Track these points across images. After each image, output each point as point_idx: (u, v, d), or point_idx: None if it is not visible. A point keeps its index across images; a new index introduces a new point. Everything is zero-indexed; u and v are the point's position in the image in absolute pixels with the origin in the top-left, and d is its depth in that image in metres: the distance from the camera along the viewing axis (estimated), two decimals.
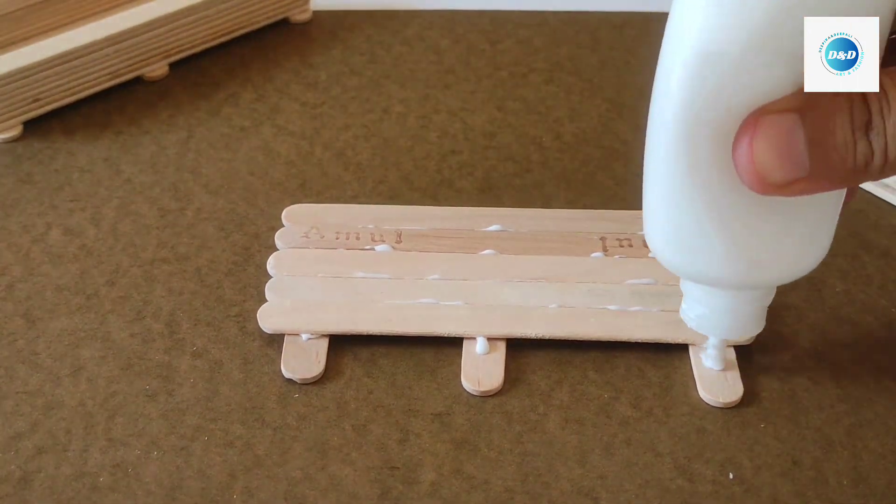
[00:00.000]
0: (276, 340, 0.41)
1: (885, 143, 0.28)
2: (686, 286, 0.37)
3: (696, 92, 0.30)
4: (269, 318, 0.41)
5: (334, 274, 0.42)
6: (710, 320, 0.36)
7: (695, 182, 0.31)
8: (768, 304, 0.36)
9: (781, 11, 0.28)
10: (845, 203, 0.34)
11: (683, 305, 0.37)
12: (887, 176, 0.30)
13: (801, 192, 0.30)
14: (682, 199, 0.32)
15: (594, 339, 0.40)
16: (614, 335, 0.40)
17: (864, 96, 0.28)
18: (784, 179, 0.29)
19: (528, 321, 0.41)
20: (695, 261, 0.33)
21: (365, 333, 0.40)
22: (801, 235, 0.33)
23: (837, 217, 0.34)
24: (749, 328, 0.37)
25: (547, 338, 0.40)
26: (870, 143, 0.28)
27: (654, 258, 0.43)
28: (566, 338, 0.40)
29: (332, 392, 0.39)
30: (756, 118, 0.29)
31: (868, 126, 0.28)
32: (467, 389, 0.39)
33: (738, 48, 0.29)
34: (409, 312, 0.41)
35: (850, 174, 0.29)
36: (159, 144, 0.51)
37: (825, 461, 0.37)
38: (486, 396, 0.39)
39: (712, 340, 0.38)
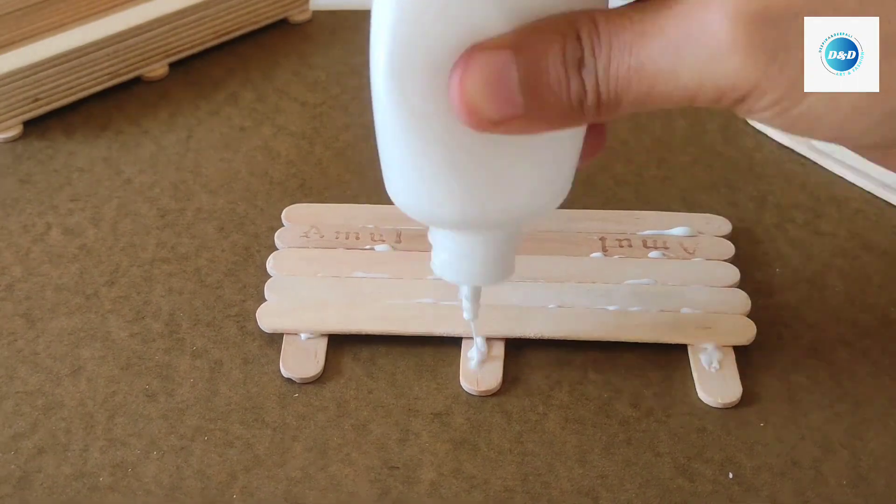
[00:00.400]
0: (275, 340, 0.41)
1: (597, 82, 0.28)
2: (431, 234, 0.36)
3: (406, 33, 0.29)
4: (268, 318, 0.41)
5: (334, 274, 0.42)
6: (453, 266, 0.36)
7: (418, 124, 0.31)
8: (514, 249, 0.36)
9: None
10: (593, 153, 0.34)
11: (432, 255, 0.36)
12: (607, 118, 0.29)
13: (519, 131, 0.29)
14: (408, 143, 0.31)
15: (594, 340, 0.40)
16: (614, 335, 0.40)
17: (577, 34, 0.28)
18: (498, 116, 0.29)
19: (527, 321, 0.41)
20: (430, 204, 0.33)
21: (364, 333, 0.40)
22: (534, 174, 0.32)
23: (576, 157, 0.33)
24: (494, 274, 0.36)
25: (546, 338, 0.40)
26: (582, 81, 0.28)
27: (654, 258, 0.43)
28: (565, 338, 0.40)
29: (331, 392, 0.39)
30: (469, 55, 0.28)
31: (580, 63, 0.28)
32: (466, 390, 0.39)
33: None
34: (408, 312, 0.41)
35: (565, 113, 0.29)
36: (159, 144, 0.51)
37: (825, 461, 0.37)
38: (486, 396, 0.39)
39: (463, 290, 0.38)
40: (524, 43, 0.28)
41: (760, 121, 0.28)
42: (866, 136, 0.29)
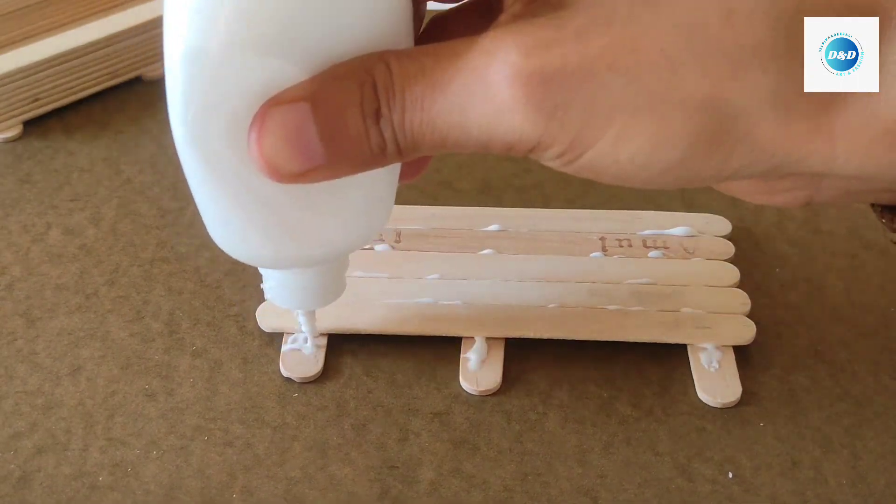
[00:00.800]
0: (275, 340, 0.41)
1: (394, 133, 0.28)
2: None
3: (193, 88, 0.28)
4: (267, 317, 0.41)
5: None
6: (280, 293, 0.36)
7: (221, 177, 0.30)
8: (342, 272, 0.36)
9: (252, 9, 0.27)
10: (416, 173, 0.34)
11: (264, 282, 0.37)
12: (409, 159, 0.29)
13: (323, 179, 0.29)
14: (213, 195, 0.31)
15: (594, 340, 0.40)
16: (614, 335, 0.40)
17: (374, 83, 0.28)
18: (299, 169, 0.28)
19: (527, 321, 0.41)
20: (247, 249, 0.33)
21: (363, 333, 0.40)
22: (343, 213, 0.32)
23: (392, 189, 0.33)
24: (323, 299, 0.36)
25: (547, 338, 0.40)
26: (381, 132, 0.28)
27: (653, 258, 0.43)
28: (566, 338, 0.40)
29: (331, 391, 0.39)
30: (265, 110, 0.28)
31: (377, 115, 0.28)
32: (466, 389, 0.39)
33: (218, 47, 0.27)
34: (408, 312, 0.41)
35: (367, 160, 0.29)
36: (159, 144, 0.51)
37: (824, 461, 0.37)
38: (486, 396, 0.39)
39: (300, 316, 0.38)
40: (321, 94, 0.28)
41: (551, 166, 0.29)
42: (651, 184, 0.29)
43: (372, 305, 0.41)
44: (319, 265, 0.35)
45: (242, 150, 0.29)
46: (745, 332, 0.40)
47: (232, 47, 0.27)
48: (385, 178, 0.32)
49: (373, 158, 0.29)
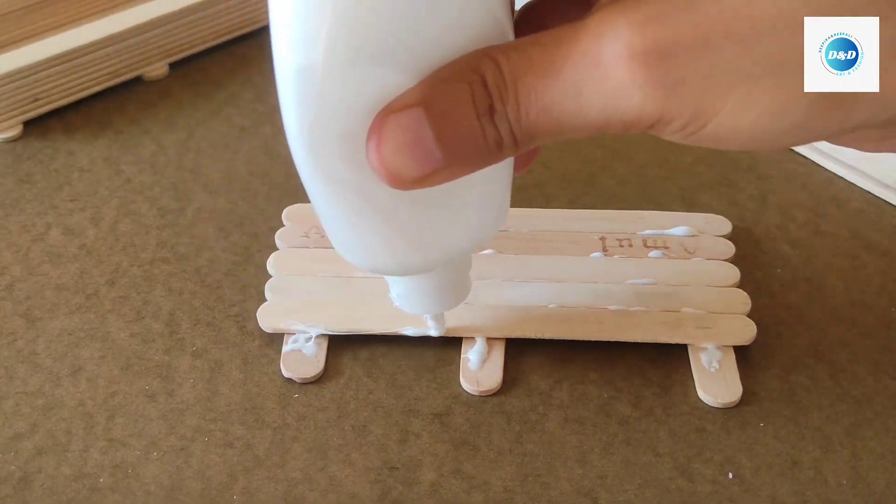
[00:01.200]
0: (275, 340, 0.41)
1: (510, 126, 0.28)
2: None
3: (307, 106, 0.29)
4: (268, 318, 0.41)
5: (334, 274, 0.42)
6: (409, 300, 0.37)
7: (341, 190, 0.31)
8: (467, 272, 0.37)
9: (363, 23, 0.27)
10: (526, 164, 0.34)
11: (390, 289, 0.37)
12: (525, 150, 0.29)
13: (443, 181, 0.29)
14: (336, 208, 0.31)
15: (594, 340, 0.40)
16: (615, 335, 0.40)
17: (483, 81, 0.28)
18: (420, 174, 0.29)
19: (528, 321, 0.41)
20: (373, 259, 0.33)
21: (365, 333, 0.40)
22: (466, 213, 0.32)
23: (508, 185, 0.33)
24: (450, 301, 0.37)
25: (547, 338, 0.40)
26: (496, 127, 0.28)
27: (654, 258, 0.43)
28: (566, 338, 0.40)
29: (331, 392, 0.39)
30: (381, 120, 0.28)
31: (491, 111, 0.28)
32: (466, 390, 0.39)
33: (332, 63, 0.28)
34: (408, 313, 0.41)
35: (484, 156, 0.29)
36: (159, 144, 0.51)
37: (825, 461, 0.37)
38: (486, 396, 0.39)
39: (427, 318, 0.39)
40: (432, 97, 0.28)
41: (671, 140, 0.29)
42: (771, 146, 0.29)
43: (373, 305, 0.41)
44: (445, 267, 0.35)
45: (359, 161, 0.29)
46: (746, 332, 0.40)
47: (342, 60, 0.28)
48: (500, 173, 0.32)
49: (489, 154, 0.29)
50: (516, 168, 0.34)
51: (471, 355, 0.40)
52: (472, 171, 0.30)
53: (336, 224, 0.32)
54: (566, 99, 0.27)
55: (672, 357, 0.40)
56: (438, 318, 0.39)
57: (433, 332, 0.40)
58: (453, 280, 0.36)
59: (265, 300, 0.42)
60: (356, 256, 0.33)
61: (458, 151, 0.28)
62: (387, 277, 0.37)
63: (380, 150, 0.28)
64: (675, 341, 0.40)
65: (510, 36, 0.29)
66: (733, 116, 0.28)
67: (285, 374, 0.39)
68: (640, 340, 0.40)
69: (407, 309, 0.37)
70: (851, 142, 0.33)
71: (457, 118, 0.28)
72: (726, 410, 0.38)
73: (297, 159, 0.31)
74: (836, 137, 0.31)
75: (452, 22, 0.28)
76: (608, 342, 0.40)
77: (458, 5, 0.28)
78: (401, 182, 0.29)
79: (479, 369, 0.39)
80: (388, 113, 0.28)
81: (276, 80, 0.30)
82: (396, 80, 0.28)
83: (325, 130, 0.29)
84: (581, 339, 0.40)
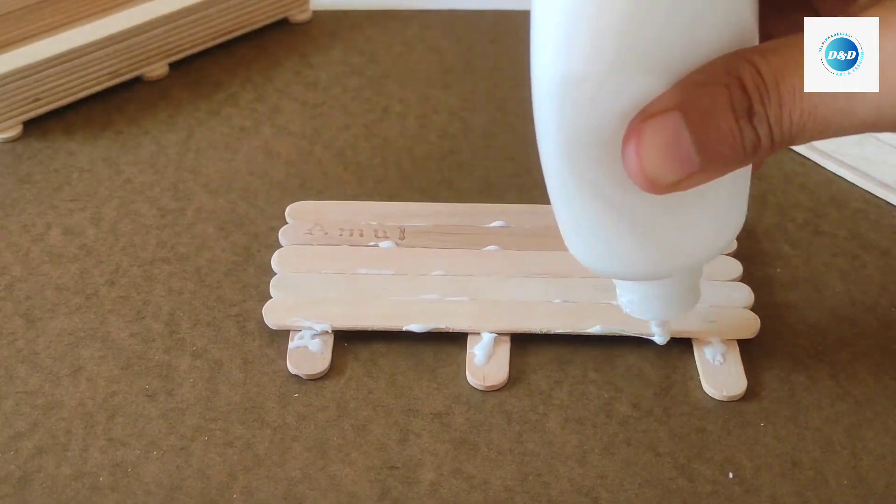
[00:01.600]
0: (275, 340, 0.41)
1: (770, 129, 0.28)
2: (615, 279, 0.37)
3: (567, 112, 0.30)
4: (274, 315, 0.41)
5: (338, 270, 0.43)
6: (642, 305, 0.37)
7: (591, 193, 0.31)
8: (698, 280, 0.37)
9: (632, 30, 0.28)
10: (755, 169, 0.34)
11: (617, 294, 0.37)
12: (782, 149, 0.29)
13: (697, 184, 0.29)
14: (584, 209, 0.32)
15: (599, 335, 0.40)
16: (618, 330, 0.40)
17: (741, 83, 0.28)
18: (676, 178, 0.29)
19: (532, 316, 0.41)
20: (613, 263, 0.34)
21: (371, 329, 0.40)
22: (711, 216, 0.33)
23: (748, 188, 0.33)
24: (680, 307, 0.37)
25: (552, 332, 0.40)
26: (754, 129, 0.28)
27: None
28: (572, 332, 0.40)
29: (331, 392, 0.39)
30: (639, 123, 0.29)
31: (750, 113, 0.28)
32: (472, 385, 0.39)
33: (597, 70, 0.28)
34: (413, 308, 0.41)
35: (740, 160, 0.29)
36: (159, 144, 0.51)
37: (825, 461, 0.37)
38: (488, 394, 0.39)
39: (653, 325, 0.39)
40: (689, 101, 0.28)
41: None
42: None
43: (378, 302, 0.41)
44: (686, 271, 0.35)
45: (612, 164, 0.29)
46: (750, 325, 0.40)
47: (607, 67, 0.28)
48: (743, 177, 0.33)
49: (745, 157, 0.29)
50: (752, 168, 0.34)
51: (477, 350, 0.40)
52: (725, 173, 0.30)
53: (579, 226, 0.33)
54: (836, 99, 0.27)
55: (672, 357, 0.40)
56: (666, 324, 0.39)
57: (658, 339, 0.40)
58: (689, 286, 0.36)
59: (266, 299, 0.42)
60: (597, 261, 0.34)
61: (716, 154, 0.28)
62: (619, 283, 0.37)
63: (639, 153, 0.29)
64: (679, 335, 0.40)
65: (756, 40, 0.30)
66: None
67: (291, 370, 0.39)
68: (646, 335, 0.40)
69: (637, 314, 0.37)
70: None
71: (715, 121, 0.28)
72: (727, 410, 0.38)
73: (549, 162, 0.31)
74: None
75: (708, 27, 0.28)
76: (609, 341, 0.40)
77: (715, 11, 0.28)
78: (657, 186, 0.29)
79: (485, 364, 0.39)
80: (645, 117, 0.28)
81: (534, 86, 0.30)
82: (652, 86, 0.28)
83: (583, 134, 0.30)
84: (587, 333, 0.40)
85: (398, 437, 0.37)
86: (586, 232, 0.33)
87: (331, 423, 0.38)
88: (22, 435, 0.37)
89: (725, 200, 0.33)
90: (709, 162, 0.29)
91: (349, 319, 0.41)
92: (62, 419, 0.38)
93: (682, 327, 0.40)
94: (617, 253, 0.33)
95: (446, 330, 0.40)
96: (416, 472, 0.36)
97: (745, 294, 0.41)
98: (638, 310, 0.37)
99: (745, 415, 0.38)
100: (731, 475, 0.36)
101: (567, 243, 0.34)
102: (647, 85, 0.28)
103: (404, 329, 0.40)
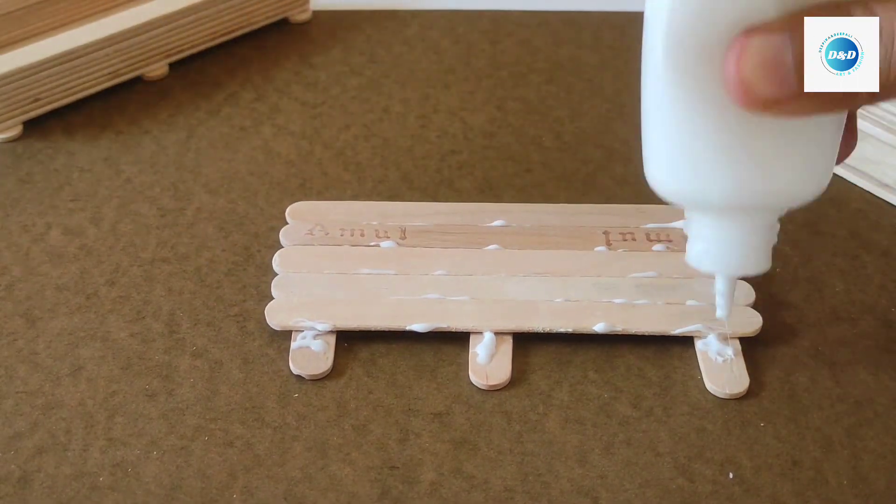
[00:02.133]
0: (275, 340, 0.41)
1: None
2: (689, 225, 0.36)
3: (677, 17, 0.31)
4: (276, 315, 0.41)
5: (340, 270, 0.43)
6: (714, 254, 0.36)
7: (690, 104, 0.32)
8: (773, 240, 0.36)
9: None
10: (846, 153, 0.35)
11: (687, 247, 0.36)
12: (882, 101, 0.30)
13: (789, 113, 0.30)
14: (677, 123, 0.33)
15: (602, 333, 0.40)
16: (621, 328, 0.40)
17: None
18: (771, 95, 0.29)
19: (534, 315, 0.41)
20: (694, 184, 0.34)
21: (374, 329, 0.40)
22: (799, 159, 0.33)
23: (837, 148, 0.34)
24: (753, 263, 0.36)
25: (555, 332, 0.40)
26: None
27: (658, 251, 0.43)
28: (574, 331, 0.40)
29: (331, 392, 0.39)
30: (746, 35, 0.29)
31: None
32: (475, 384, 0.39)
33: None
34: (416, 308, 0.41)
35: (841, 100, 0.30)
36: (159, 144, 0.51)
37: (825, 461, 0.37)
38: (487, 394, 0.39)
39: (718, 284, 0.37)
40: (800, 28, 0.29)
41: None
42: None
43: (380, 302, 0.41)
44: (756, 215, 0.35)
45: (713, 79, 0.30)
46: (752, 323, 0.40)
47: None
48: (833, 135, 0.33)
49: (843, 96, 0.29)
50: (839, 154, 0.35)
51: (479, 349, 0.40)
52: (819, 112, 0.31)
53: (669, 143, 0.33)
54: None
55: (672, 357, 0.40)
56: (730, 290, 0.37)
57: (719, 312, 0.38)
58: (760, 239, 0.36)
59: (266, 299, 0.42)
60: (677, 183, 0.34)
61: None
62: (691, 230, 0.36)
63: (739, 62, 0.29)
64: (681, 333, 0.40)
65: None
66: None
67: (294, 370, 0.39)
68: (647, 333, 0.40)
69: (705, 267, 0.36)
70: None
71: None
72: (727, 410, 0.38)
73: (654, 70, 0.32)
74: None
75: None
76: (609, 340, 0.40)
77: None
78: (751, 100, 0.30)
79: (487, 363, 0.39)
80: (753, 32, 0.29)
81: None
82: (766, 9, 0.29)
83: (689, 42, 0.31)
84: (589, 332, 0.40)
85: (398, 437, 0.37)
86: (672, 147, 0.33)
87: (331, 422, 0.38)
88: (22, 435, 0.37)
89: (811, 150, 0.33)
90: (807, 92, 0.29)
91: (352, 319, 0.41)
92: (62, 419, 0.38)
93: (686, 324, 0.40)
94: (697, 171, 0.33)
95: (448, 329, 0.40)
96: (416, 472, 0.36)
97: (746, 291, 0.41)
98: (709, 261, 0.36)
99: (745, 414, 0.38)
100: (731, 475, 0.36)
101: (648, 168, 0.34)
102: (761, 7, 0.29)
103: (407, 329, 0.40)
